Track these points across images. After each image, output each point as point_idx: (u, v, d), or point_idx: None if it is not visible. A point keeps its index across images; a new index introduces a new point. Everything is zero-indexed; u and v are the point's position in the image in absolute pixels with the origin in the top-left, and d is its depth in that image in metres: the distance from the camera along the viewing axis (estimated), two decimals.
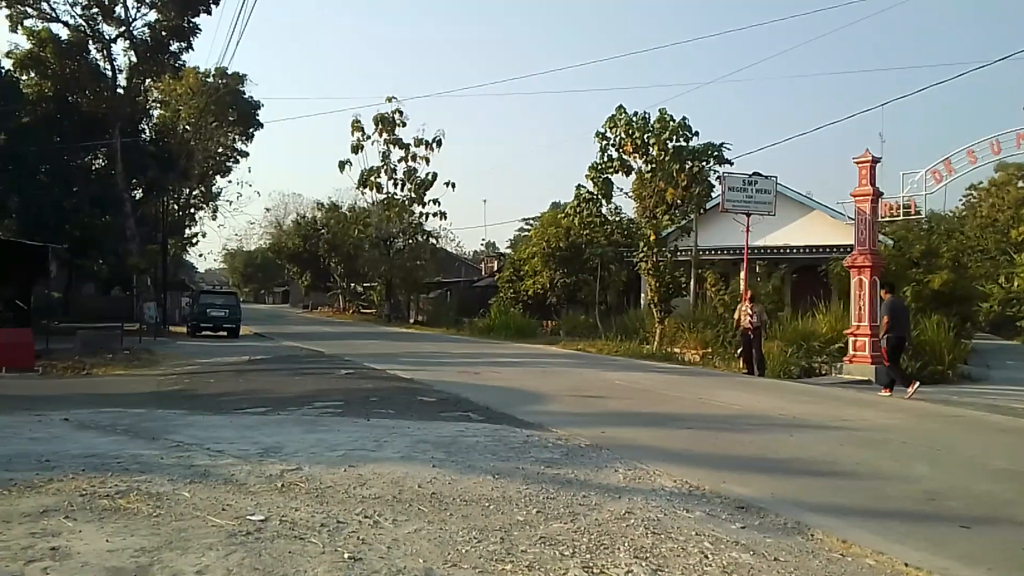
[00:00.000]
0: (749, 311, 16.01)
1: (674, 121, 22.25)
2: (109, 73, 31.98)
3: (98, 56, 31.90)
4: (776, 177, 19.52)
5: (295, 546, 4.28)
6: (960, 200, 51.14)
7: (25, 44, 30.26)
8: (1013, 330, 36.41)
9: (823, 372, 16.06)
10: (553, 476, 6.28)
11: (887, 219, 19.20)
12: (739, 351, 17.78)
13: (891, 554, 4.58)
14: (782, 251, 25.55)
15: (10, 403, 10.10)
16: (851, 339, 16.25)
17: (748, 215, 18.77)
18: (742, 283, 19.16)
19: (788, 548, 4.64)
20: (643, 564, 4.22)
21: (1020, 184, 43.39)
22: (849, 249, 17.84)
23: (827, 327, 18.06)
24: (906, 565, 4.41)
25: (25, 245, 19.42)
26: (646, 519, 5.13)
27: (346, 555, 4.16)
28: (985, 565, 4.48)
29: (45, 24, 30.55)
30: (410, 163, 40.21)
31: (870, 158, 16.37)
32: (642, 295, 27.31)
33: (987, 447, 8.49)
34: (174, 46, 32.74)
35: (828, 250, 24.01)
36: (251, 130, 40.71)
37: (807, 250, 25.25)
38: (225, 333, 28.00)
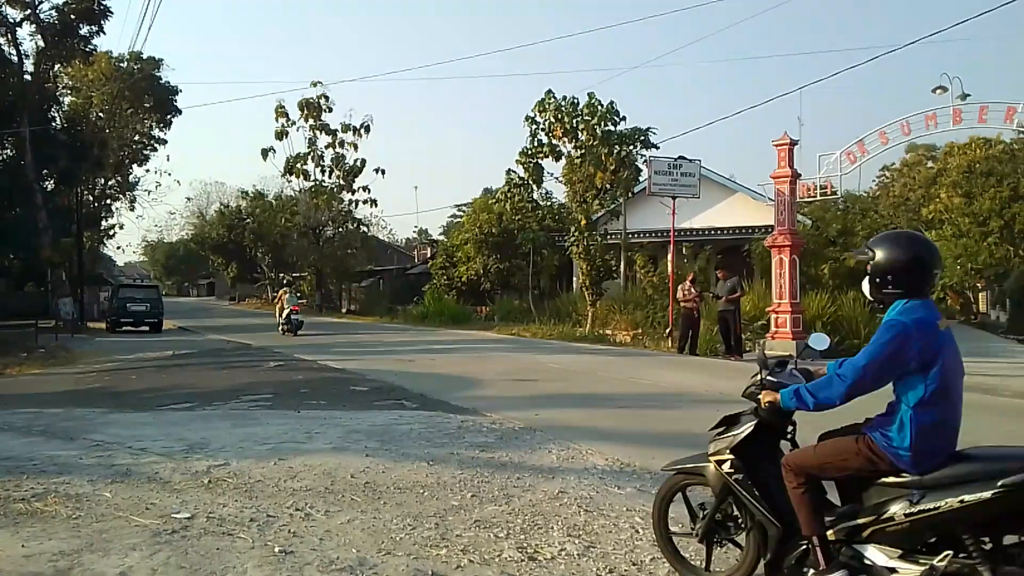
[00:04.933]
0: (691, 291, 16.24)
1: (602, 106, 22.46)
2: (15, 59, 30.30)
3: (2, 41, 30.19)
4: (700, 161, 19.92)
5: (223, 542, 4.20)
6: (874, 181, 53.30)
7: None
8: None
9: (747, 348, 16.53)
10: (488, 460, 6.32)
11: (805, 200, 19.85)
12: (667, 330, 18.15)
13: None
14: (707, 233, 26.16)
15: None
16: (773, 316, 16.77)
17: (674, 198, 19.12)
18: (669, 265, 19.54)
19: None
20: (576, 542, 4.30)
21: (929, 164, 45.41)
22: (770, 229, 18.38)
23: (750, 305, 18.59)
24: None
25: None
26: (579, 497, 5.22)
27: (276, 549, 4.11)
28: None
29: None
30: (338, 149, 39.50)
31: (788, 141, 16.86)
32: (574, 279, 27.58)
33: None
34: (84, 29, 31.19)
35: (750, 231, 24.71)
36: (169, 116, 39.16)
37: (730, 231, 25.92)
38: (147, 328, 27.09)
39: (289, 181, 41.80)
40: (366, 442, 6.97)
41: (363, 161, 39.50)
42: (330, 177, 40.11)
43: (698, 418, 8.46)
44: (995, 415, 9.06)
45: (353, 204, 40.80)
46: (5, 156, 31.96)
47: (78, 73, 33.41)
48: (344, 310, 43.14)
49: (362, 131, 38.90)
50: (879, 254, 3.27)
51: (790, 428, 3.65)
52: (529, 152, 23.52)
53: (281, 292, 25.68)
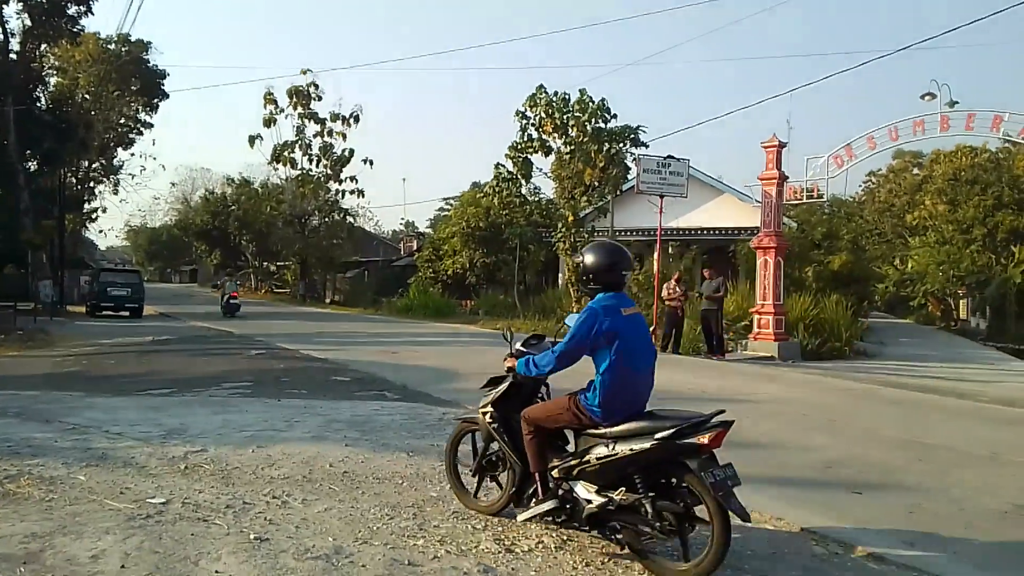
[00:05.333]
0: (676, 290, 16.24)
1: (593, 103, 22.42)
2: (0, 37, 29.90)
3: None
4: (688, 160, 19.90)
5: (198, 528, 4.16)
6: (860, 186, 53.66)
7: None
8: (906, 309, 38.73)
9: (730, 348, 16.61)
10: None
11: (792, 202, 19.92)
12: (651, 329, 18.15)
13: (789, 518, 4.81)
14: (693, 232, 26.25)
15: None
16: (756, 317, 16.86)
17: (662, 197, 19.10)
18: (655, 264, 19.57)
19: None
20: (553, 535, 4.29)
21: (915, 171, 45.73)
22: (756, 231, 18.46)
23: (734, 306, 18.67)
24: (803, 529, 4.64)
25: None
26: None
27: (252, 536, 4.07)
28: (874, 526, 4.75)
29: None
30: (326, 138, 39.21)
31: (777, 143, 16.94)
32: (560, 275, 27.59)
33: (881, 418, 8.98)
34: (72, 9, 30.78)
35: (736, 232, 24.82)
36: (156, 100, 38.73)
37: (717, 232, 26.03)
38: (127, 313, 26.81)
39: (276, 169, 41.51)
40: (346, 432, 6.93)
41: (351, 151, 39.28)
42: (317, 166, 39.87)
43: None
44: (972, 420, 9.16)
45: (340, 194, 40.59)
46: None
47: (65, 54, 32.98)
48: (328, 300, 42.93)
49: (351, 121, 38.68)
50: (587, 258, 4.20)
51: (544, 388, 4.59)
52: (519, 147, 23.45)
53: (223, 281, 31.05)
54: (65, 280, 32.37)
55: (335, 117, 38.69)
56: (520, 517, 4.29)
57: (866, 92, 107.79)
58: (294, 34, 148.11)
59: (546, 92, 22.73)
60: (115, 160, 41.44)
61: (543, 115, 22.62)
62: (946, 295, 34.32)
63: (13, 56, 30.25)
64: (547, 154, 23.39)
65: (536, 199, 29.43)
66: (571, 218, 21.83)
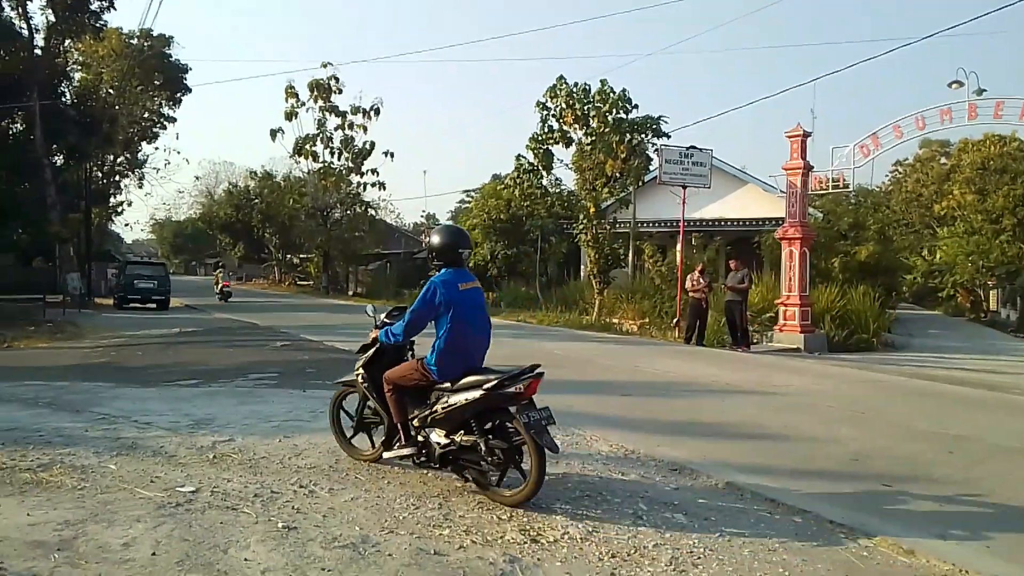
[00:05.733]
0: (700, 281, 16.08)
1: (614, 93, 22.30)
2: (25, 32, 30.24)
3: (13, 15, 30.04)
4: (711, 150, 19.78)
5: (227, 516, 4.20)
6: (886, 175, 52.98)
7: None
8: (935, 300, 38.22)
9: (755, 340, 16.47)
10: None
11: (817, 192, 19.71)
12: (675, 320, 18.06)
13: (817, 511, 4.76)
14: (717, 223, 26.03)
15: None
16: (782, 309, 16.70)
17: (684, 188, 18.99)
18: (678, 255, 19.45)
19: (719, 508, 4.78)
20: (579, 526, 4.28)
21: (943, 160, 45.02)
22: (780, 221, 18.26)
23: (759, 297, 18.51)
24: (831, 523, 4.58)
25: None
26: (582, 482, 5.21)
27: (280, 524, 4.10)
28: (903, 521, 4.69)
29: None
30: (347, 131, 39.30)
31: (801, 132, 16.73)
32: (582, 267, 27.50)
33: (909, 411, 8.86)
34: (95, 5, 31.03)
35: (761, 223, 24.57)
36: (179, 95, 39.13)
37: (741, 223, 25.79)
38: (154, 305, 27.13)
39: (298, 162, 41.67)
40: None
41: (372, 144, 39.36)
42: (339, 159, 39.99)
43: (703, 408, 8.50)
44: (1003, 412, 9.03)
45: (361, 187, 40.66)
46: (15, 131, 31.92)
47: (88, 49, 33.30)
48: (351, 292, 43.13)
49: (372, 113, 38.73)
50: (432, 239, 5.05)
51: (409, 352, 5.41)
52: (539, 138, 23.39)
53: (217, 272, 35.09)
54: (92, 273, 32.80)
55: (356, 110, 38.78)
56: (385, 455, 5.22)
57: (892, 80, 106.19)
58: (315, 28, 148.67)
59: (567, 83, 22.64)
60: (139, 154, 41.94)
61: (564, 106, 22.54)
62: (975, 286, 33.81)
63: (38, 52, 30.55)
64: (568, 145, 23.31)
65: (557, 191, 29.33)
66: (592, 209, 21.74)
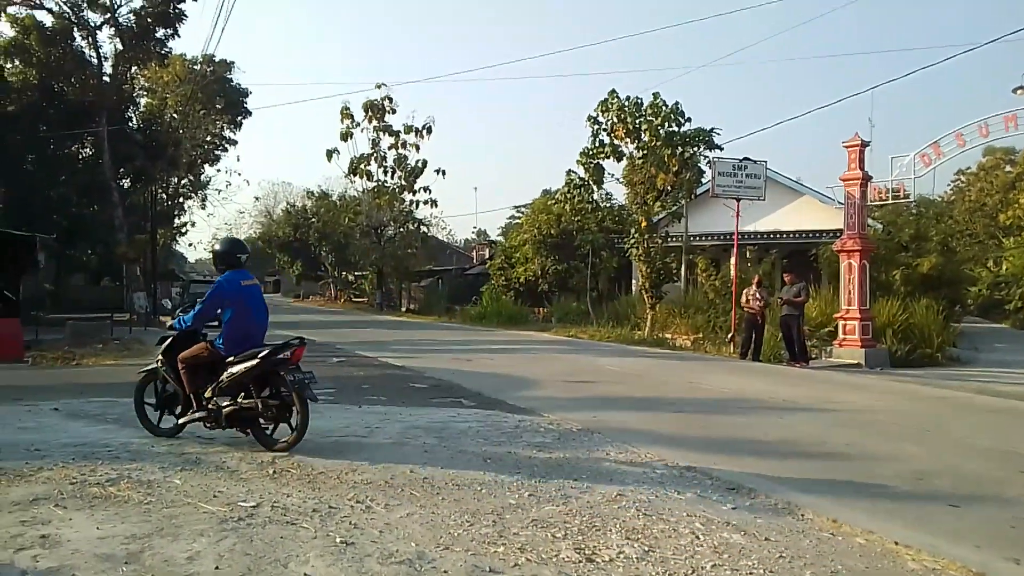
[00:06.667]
0: (757, 295, 15.81)
1: (667, 106, 22.15)
2: (95, 61, 31.57)
3: (83, 43, 31.47)
4: (766, 162, 19.50)
5: (287, 531, 4.29)
6: (948, 185, 51.35)
7: (9, 32, 29.84)
8: (1001, 313, 36.79)
9: (813, 356, 16.11)
10: (545, 460, 6.30)
11: (876, 203, 19.22)
12: (729, 336, 17.77)
13: (881, 532, 4.62)
14: (772, 236, 25.59)
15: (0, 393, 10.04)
16: (841, 323, 16.30)
17: (738, 200, 18.75)
18: (732, 268, 19.18)
19: (779, 528, 4.67)
20: (635, 545, 4.24)
21: (1008, 168, 43.51)
22: (838, 233, 17.87)
23: (817, 311, 18.12)
24: (896, 543, 4.44)
25: (13, 235, 19.14)
26: (637, 501, 5.15)
27: (338, 539, 4.17)
28: (972, 542, 4.52)
29: (29, 11, 30.07)
30: (400, 150, 40.00)
31: (859, 142, 16.38)
32: (633, 281, 27.31)
33: (975, 427, 8.55)
34: (160, 32, 32.32)
35: (818, 235, 24.07)
36: (239, 118, 40.39)
37: (797, 235, 25.30)
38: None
39: (353, 181, 42.57)
40: (424, 438, 7.02)
41: (424, 162, 39.96)
42: (392, 177, 40.68)
43: (761, 425, 8.34)
44: None
45: (414, 204, 41.27)
46: (85, 155, 33.35)
47: (154, 75, 34.62)
48: (404, 309, 43.65)
49: (424, 132, 39.32)
50: (215, 248, 6.81)
51: (202, 337, 6.61)
52: (590, 152, 23.35)
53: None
54: (157, 292, 33.90)
55: (408, 129, 39.43)
56: (180, 421, 6.48)
57: (954, 87, 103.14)
58: (368, 50, 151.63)
59: (618, 97, 22.58)
60: (202, 176, 43.37)
61: (615, 120, 22.48)
62: None
63: (106, 79, 31.89)
64: (619, 159, 23.21)
65: (608, 205, 29.24)
66: (644, 224, 21.60)
